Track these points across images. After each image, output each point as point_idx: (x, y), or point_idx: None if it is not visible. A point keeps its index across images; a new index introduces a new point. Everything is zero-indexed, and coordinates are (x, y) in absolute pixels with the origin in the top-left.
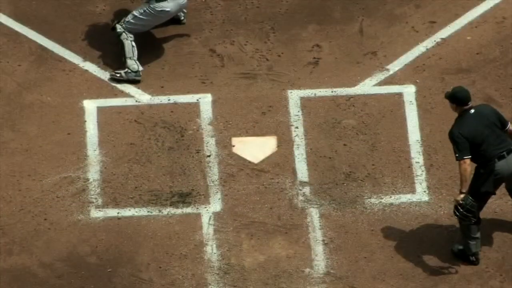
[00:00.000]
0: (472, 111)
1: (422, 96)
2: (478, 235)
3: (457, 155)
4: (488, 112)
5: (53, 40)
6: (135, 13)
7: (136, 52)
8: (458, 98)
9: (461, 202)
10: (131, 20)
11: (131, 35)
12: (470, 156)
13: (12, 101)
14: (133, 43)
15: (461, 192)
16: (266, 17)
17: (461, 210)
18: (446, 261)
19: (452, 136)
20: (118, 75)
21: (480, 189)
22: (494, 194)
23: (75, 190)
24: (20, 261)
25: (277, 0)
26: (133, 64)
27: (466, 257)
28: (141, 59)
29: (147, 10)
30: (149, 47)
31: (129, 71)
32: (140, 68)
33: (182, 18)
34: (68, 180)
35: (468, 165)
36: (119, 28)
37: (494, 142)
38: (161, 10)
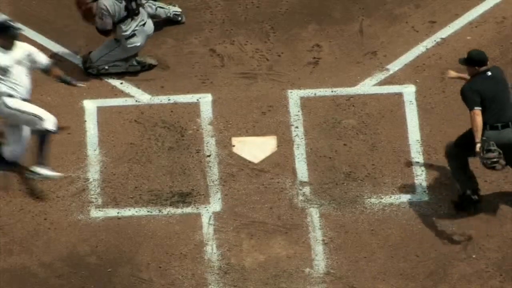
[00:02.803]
0: (489, 73)
1: (422, 96)
2: (470, 173)
3: (469, 107)
4: (503, 78)
5: (53, 40)
6: (104, 51)
7: (124, 65)
8: (476, 60)
9: (479, 151)
10: (103, 58)
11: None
12: (480, 108)
13: None
14: (115, 64)
15: (476, 143)
16: (266, 17)
17: (487, 160)
18: (446, 261)
19: (463, 90)
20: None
21: (468, 142)
22: (474, 156)
23: (75, 190)
24: (20, 261)
25: (277, 0)
26: (133, 64)
27: (468, 201)
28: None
29: (118, 48)
30: (149, 47)
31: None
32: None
33: (180, 19)
34: (68, 180)
35: (478, 116)
36: (93, 72)
37: (496, 109)
38: (133, 46)
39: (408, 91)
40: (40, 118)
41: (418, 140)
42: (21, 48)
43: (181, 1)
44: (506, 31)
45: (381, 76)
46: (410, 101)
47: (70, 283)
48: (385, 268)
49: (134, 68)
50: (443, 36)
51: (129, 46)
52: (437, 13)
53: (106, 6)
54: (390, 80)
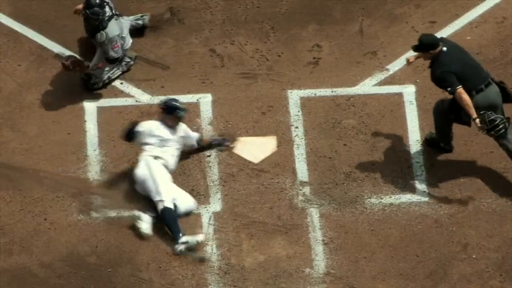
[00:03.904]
0: (445, 48)
1: (422, 96)
2: (450, 134)
3: (449, 89)
4: (455, 45)
5: (53, 40)
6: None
7: (121, 66)
8: (429, 44)
9: (482, 125)
10: (106, 71)
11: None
12: (461, 85)
13: (12, 101)
14: (114, 70)
15: (474, 119)
16: (266, 17)
17: (492, 130)
18: (446, 261)
19: (436, 77)
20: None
21: (459, 113)
22: (469, 125)
23: (75, 190)
24: (20, 261)
25: (277, 0)
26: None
27: (439, 146)
28: (141, 58)
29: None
30: (150, 47)
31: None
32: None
33: (142, 22)
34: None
35: (464, 94)
36: (98, 86)
37: (472, 75)
38: (129, 46)
39: (408, 91)
40: (159, 194)
41: (418, 140)
42: (181, 129)
43: (181, 1)
44: (506, 31)
45: (381, 76)
46: (410, 101)
47: (70, 283)
48: (385, 268)
49: (129, 65)
50: (443, 36)
51: (125, 48)
52: (437, 13)
53: (116, 33)
54: (390, 80)
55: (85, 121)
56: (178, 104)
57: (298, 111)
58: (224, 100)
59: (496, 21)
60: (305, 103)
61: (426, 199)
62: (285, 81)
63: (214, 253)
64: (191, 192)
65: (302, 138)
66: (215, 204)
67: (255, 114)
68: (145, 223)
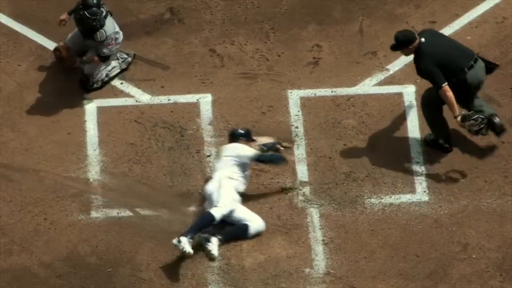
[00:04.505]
0: (423, 39)
1: None
2: (444, 120)
3: (436, 86)
4: (433, 32)
5: (53, 40)
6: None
7: (118, 64)
8: (406, 40)
9: (463, 123)
10: (101, 70)
11: (105, 73)
12: (446, 82)
13: (12, 101)
14: (112, 68)
15: (456, 117)
16: (266, 17)
17: (474, 126)
18: (446, 261)
19: (423, 72)
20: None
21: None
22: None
23: (75, 190)
24: (20, 261)
25: (277, 0)
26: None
27: (439, 145)
28: (141, 59)
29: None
30: (150, 47)
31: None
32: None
33: (130, 60)
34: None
35: (449, 91)
36: (98, 85)
37: (460, 55)
38: (120, 40)
39: (408, 91)
40: (210, 203)
41: (418, 140)
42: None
43: (181, 1)
44: (506, 31)
45: (381, 76)
46: (410, 101)
47: (70, 283)
48: (385, 268)
49: (127, 62)
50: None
51: (118, 42)
52: (437, 13)
53: (111, 31)
54: (390, 80)
55: (85, 121)
56: (239, 130)
57: (298, 111)
58: (224, 100)
59: (496, 21)
60: (305, 103)
61: (426, 199)
62: (285, 81)
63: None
64: (191, 192)
65: (302, 138)
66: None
67: (255, 114)
68: (214, 245)
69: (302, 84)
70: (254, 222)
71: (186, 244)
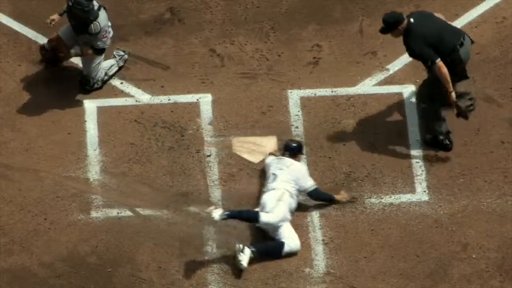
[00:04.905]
0: (412, 20)
1: None
2: (444, 115)
3: (428, 63)
4: (421, 12)
5: None
6: (95, 63)
7: (115, 62)
8: (395, 22)
9: (456, 100)
10: (100, 69)
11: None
12: (439, 58)
13: (12, 101)
14: (110, 67)
15: (450, 93)
16: (266, 17)
17: (469, 106)
18: (446, 261)
19: (414, 52)
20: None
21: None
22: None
23: (75, 190)
24: (20, 261)
25: (277, 0)
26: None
27: (439, 143)
28: (141, 58)
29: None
30: (150, 47)
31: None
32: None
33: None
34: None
35: (443, 67)
36: (98, 85)
37: (450, 33)
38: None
39: (408, 91)
40: (262, 208)
41: (418, 140)
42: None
43: (181, 1)
44: (506, 31)
45: (381, 76)
46: (410, 101)
47: (70, 283)
48: (385, 268)
49: (124, 59)
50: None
51: (110, 37)
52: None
53: (104, 23)
54: (390, 80)
55: (85, 121)
56: (293, 144)
57: (298, 111)
58: (224, 100)
59: (496, 21)
60: (305, 103)
61: (426, 199)
62: (285, 81)
63: (214, 253)
64: (191, 192)
65: (302, 138)
66: (215, 204)
67: (255, 114)
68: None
69: (302, 84)
70: (291, 241)
71: (246, 257)
